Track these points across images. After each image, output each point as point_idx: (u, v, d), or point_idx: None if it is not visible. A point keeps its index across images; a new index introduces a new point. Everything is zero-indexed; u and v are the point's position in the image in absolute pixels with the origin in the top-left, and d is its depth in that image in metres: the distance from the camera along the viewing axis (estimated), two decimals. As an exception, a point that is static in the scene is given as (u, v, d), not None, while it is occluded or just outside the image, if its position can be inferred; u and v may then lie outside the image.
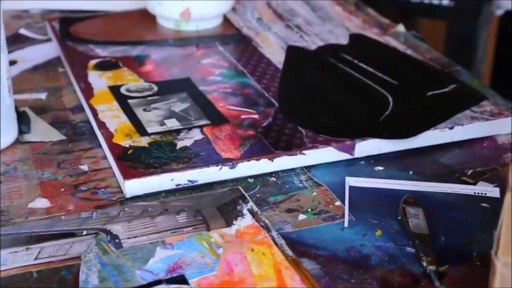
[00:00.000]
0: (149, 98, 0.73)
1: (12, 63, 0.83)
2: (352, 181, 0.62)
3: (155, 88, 0.75)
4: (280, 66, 0.81)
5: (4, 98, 0.66)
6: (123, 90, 0.74)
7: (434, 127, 0.67)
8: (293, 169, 0.64)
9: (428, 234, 0.54)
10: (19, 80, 0.79)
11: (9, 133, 0.68)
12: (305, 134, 0.66)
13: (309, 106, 0.72)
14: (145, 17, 0.92)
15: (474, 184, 0.61)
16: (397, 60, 0.82)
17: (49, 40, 0.91)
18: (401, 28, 0.90)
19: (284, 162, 0.63)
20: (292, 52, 0.84)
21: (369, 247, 0.54)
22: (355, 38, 0.87)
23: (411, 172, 0.63)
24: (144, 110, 0.70)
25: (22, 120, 0.70)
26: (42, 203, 0.59)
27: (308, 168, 0.64)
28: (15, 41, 0.89)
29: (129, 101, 0.72)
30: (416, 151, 0.66)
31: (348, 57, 0.82)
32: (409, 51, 0.84)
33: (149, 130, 0.67)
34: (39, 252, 0.51)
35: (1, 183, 0.62)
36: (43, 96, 0.77)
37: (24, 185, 0.62)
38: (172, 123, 0.68)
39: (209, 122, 0.68)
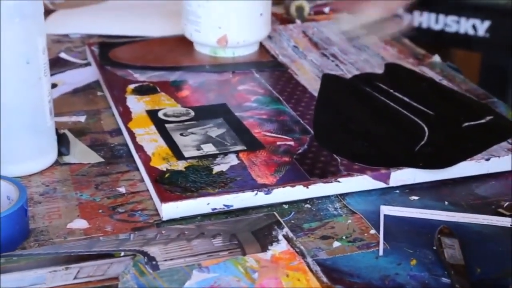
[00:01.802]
0: (186, 123, 0.74)
1: (53, 86, 0.84)
2: (387, 209, 0.62)
3: (192, 113, 0.76)
4: (315, 93, 0.82)
5: (46, 120, 0.68)
6: (160, 114, 0.76)
7: (470, 158, 0.67)
8: (328, 196, 0.64)
9: (464, 265, 0.54)
10: (59, 103, 0.81)
11: (49, 155, 0.69)
12: (340, 161, 0.67)
13: (344, 134, 0.72)
14: (182, 43, 0.94)
15: (511, 216, 0.61)
16: (432, 90, 0.82)
17: (88, 64, 0.93)
18: (437, 58, 0.91)
19: (319, 189, 0.64)
20: (328, 80, 0.85)
21: (404, 276, 0.54)
22: (391, 68, 0.88)
23: (446, 203, 0.64)
24: (181, 134, 0.72)
25: (62, 142, 0.71)
26: (80, 223, 0.61)
27: (343, 195, 0.65)
28: (56, 65, 0.91)
29: (167, 125, 0.74)
30: (451, 182, 0.67)
31: (383, 86, 0.82)
32: (444, 82, 0.85)
33: (186, 154, 0.68)
34: (78, 272, 0.52)
35: (41, 203, 0.63)
36: (82, 119, 0.79)
37: (63, 206, 0.63)
38: (209, 148, 0.69)
39: (245, 148, 0.69)
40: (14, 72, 0.64)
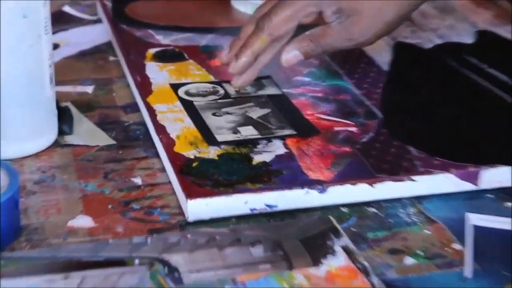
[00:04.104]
0: (220, 100, 0.74)
1: (54, 47, 0.85)
2: (475, 218, 0.61)
3: (222, 91, 0.76)
4: (385, 67, 0.81)
5: (44, 89, 0.68)
6: (181, 93, 0.75)
7: None
8: (399, 199, 0.64)
9: None
10: (61, 68, 0.81)
11: (48, 133, 0.69)
12: (416, 155, 0.66)
13: (422, 119, 0.72)
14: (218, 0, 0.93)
15: None
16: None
17: (98, 21, 0.93)
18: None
19: (388, 189, 0.63)
20: (401, 50, 0.84)
21: (497, 306, 0.53)
22: (484, 37, 0.87)
23: (554, 213, 0.62)
24: (214, 114, 0.72)
25: (64, 118, 0.71)
26: (84, 221, 0.61)
27: (419, 199, 0.64)
28: (58, 21, 0.91)
29: (196, 102, 0.73)
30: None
31: (474, 60, 0.81)
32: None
33: (220, 138, 0.68)
34: (81, 282, 0.52)
35: (36, 193, 0.63)
36: (89, 89, 0.79)
37: (63, 198, 0.63)
38: (248, 132, 0.69)
39: (295, 133, 0.69)
40: (7, 28, 0.64)
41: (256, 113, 0.72)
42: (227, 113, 0.72)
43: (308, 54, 0.72)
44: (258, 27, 0.72)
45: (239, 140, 0.68)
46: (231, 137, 0.68)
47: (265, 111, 0.73)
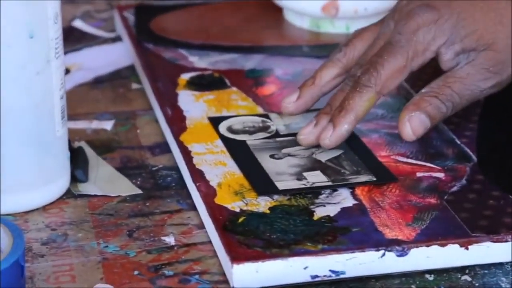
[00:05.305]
0: (278, 138, 0.73)
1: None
2: None
3: (273, 128, 0.74)
4: None
5: (55, 126, 0.67)
6: (222, 129, 0.74)
7: None
8: (500, 264, 0.61)
9: None
10: (73, 99, 0.80)
11: (58, 181, 0.69)
12: None
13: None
14: (267, 10, 0.93)
15: None
16: None
17: (117, 39, 0.93)
18: None
19: (486, 251, 0.61)
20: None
21: None
22: None
23: None
24: (272, 156, 0.70)
25: (77, 162, 0.71)
26: (105, 291, 0.62)
27: None
28: (67, 38, 0.89)
29: (249, 141, 0.73)
30: None
31: None
32: None
33: (280, 186, 0.66)
34: None
35: (44, 257, 0.62)
36: (108, 125, 0.78)
37: (78, 263, 0.62)
38: (316, 178, 0.67)
39: (374, 179, 0.68)
40: (8, 51, 0.63)
41: (326, 154, 0.71)
42: (289, 155, 0.71)
43: (435, 117, 0.68)
44: (362, 84, 0.68)
45: (305, 188, 0.66)
46: (294, 184, 0.67)
47: (337, 152, 0.71)
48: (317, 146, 0.71)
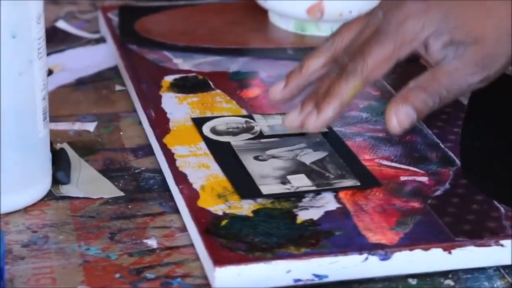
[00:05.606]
0: (263, 140, 0.73)
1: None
2: None
3: (257, 128, 0.74)
4: (465, 100, 0.79)
5: (37, 128, 0.67)
6: (205, 130, 0.74)
7: None
8: (483, 269, 0.61)
9: None
10: (55, 100, 0.80)
11: (39, 183, 0.68)
12: (504, 213, 0.64)
13: (512, 167, 0.71)
14: (252, 13, 0.93)
15: None
16: None
17: (101, 40, 0.93)
18: None
19: (469, 256, 0.61)
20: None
21: None
22: None
23: None
24: (256, 158, 0.70)
25: (59, 164, 0.70)
26: (86, 294, 0.61)
27: (508, 268, 0.61)
28: (50, 39, 0.90)
29: (233, 142, 0.72)
30: None
31: None
32: None
33: (265, 190, 0.66)
34: None
35: (24, 259, 0.62)
36: (90, 127, 0.78)
37: (59, 265, 0.61)
38: (300, 182, 0.67)
39: (359, 184, 0.68)
40: None
41: (311, 157, 0.70)
42: (273, 156, 0.70)
43: (422, 110, 0.66)
44: (348, 70, 0.67)
45: (289, 193, 0.66)
46: (278, 188, 0.67)
47: (321, 154, 0.71)
48: (302, 148, 0.71)
